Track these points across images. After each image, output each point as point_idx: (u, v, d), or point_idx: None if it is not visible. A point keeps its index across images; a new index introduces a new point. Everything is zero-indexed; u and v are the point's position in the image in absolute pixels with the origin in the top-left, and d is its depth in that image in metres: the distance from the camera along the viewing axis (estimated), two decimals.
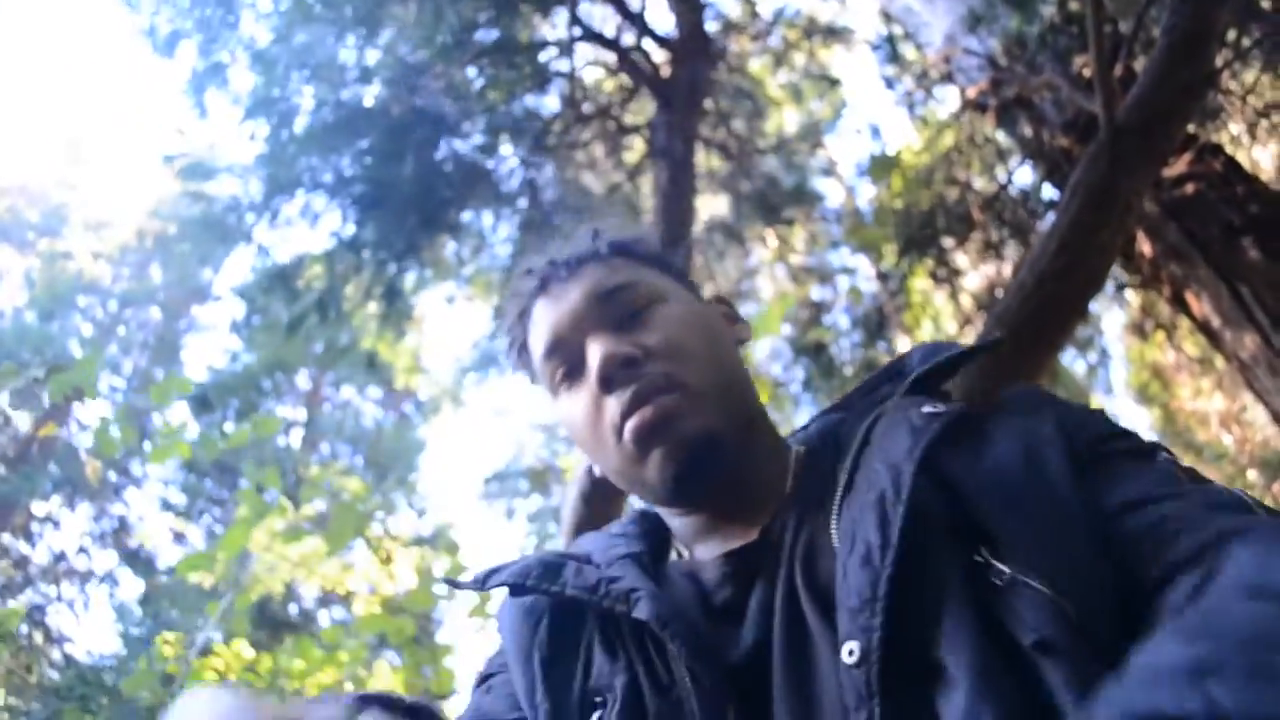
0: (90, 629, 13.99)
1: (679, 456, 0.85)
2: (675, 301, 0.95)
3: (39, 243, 19.72)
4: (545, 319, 0.95)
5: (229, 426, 15.47)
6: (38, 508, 16.33)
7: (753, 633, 0.77)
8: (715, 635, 0.78)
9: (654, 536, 0.96)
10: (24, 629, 11.92)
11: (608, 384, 0.87)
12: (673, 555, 0.95)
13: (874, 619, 0.66)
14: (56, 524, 16.66)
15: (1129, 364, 12.54)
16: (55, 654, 12.51)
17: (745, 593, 0.80)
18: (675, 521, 0.94)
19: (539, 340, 0.96)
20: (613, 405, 0.87)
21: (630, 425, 0.86)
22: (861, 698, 0.65)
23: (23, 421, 17.51)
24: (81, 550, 16.36)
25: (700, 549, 0.91)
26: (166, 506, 16.32)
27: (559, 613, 0.87)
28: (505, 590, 0.90)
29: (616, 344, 0.88)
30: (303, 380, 17.78)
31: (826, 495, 0.81)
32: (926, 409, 0.79)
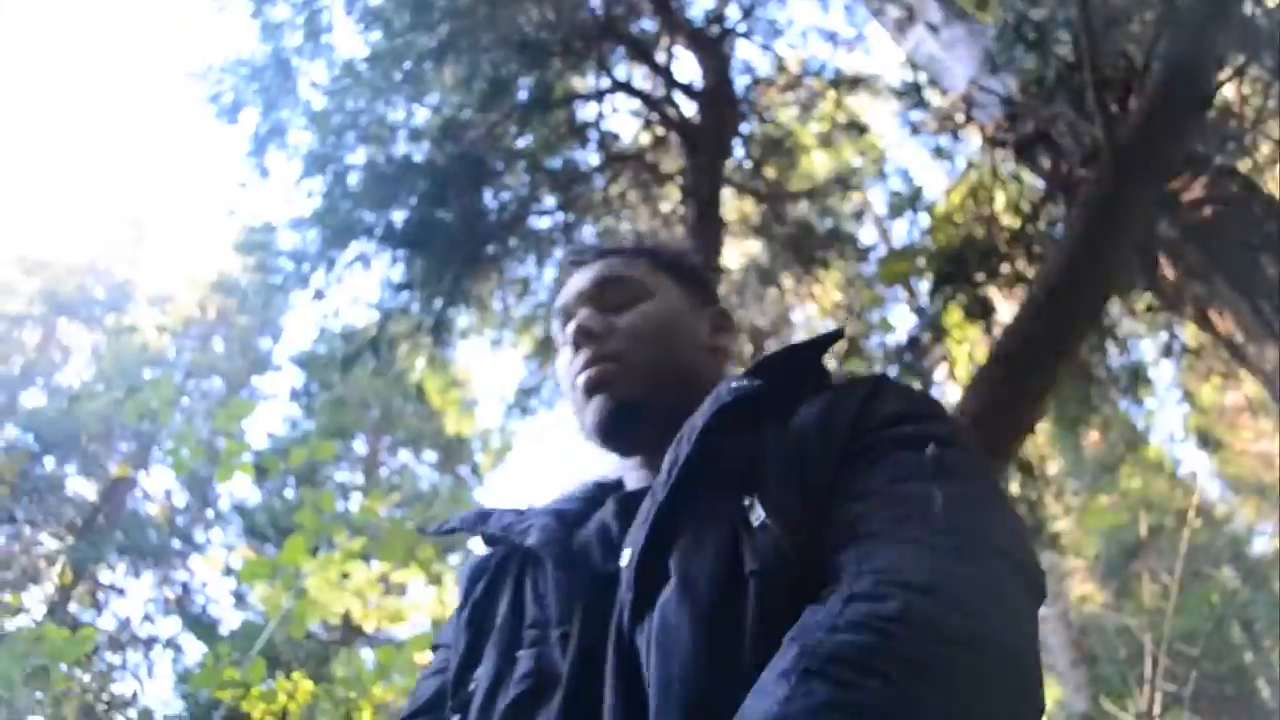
0: (154, 695, 14.17)
1: (604, 412, 1.12)
2: (659, 301, 1.19)
3: (105, 318, 20.44)
4: (563, 289, 1.26)
5: (289, 493, 15.86)
6: (104, 576, 16.70)
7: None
8: (598, 555, 1.00)
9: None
10: (89, 696, 12.15)
11: (575, 345, 1.16)
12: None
13: (642, 533, 0.90)
14: (122, 592, 17.01)
15: (1188, 408, 12.38)
16: None
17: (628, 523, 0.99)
18: (611, 459, 1.19)
19: (557, 303, 1.26)
20: (577, 361, 1.15)
21: (579, 379, 1.14)
22: (628, 587, 0.89)
23: (89, 491, 17.99)
24: (146, 617, 16.66)
25: (628, 480, 1.16)
26: (229, 572, 16.54)
27: (499, 563, 1.12)
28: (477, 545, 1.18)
29: (590, 319, 1.16)
30: (360, 446, 18.17)
31: None
32: (734, 383, 0.98)
